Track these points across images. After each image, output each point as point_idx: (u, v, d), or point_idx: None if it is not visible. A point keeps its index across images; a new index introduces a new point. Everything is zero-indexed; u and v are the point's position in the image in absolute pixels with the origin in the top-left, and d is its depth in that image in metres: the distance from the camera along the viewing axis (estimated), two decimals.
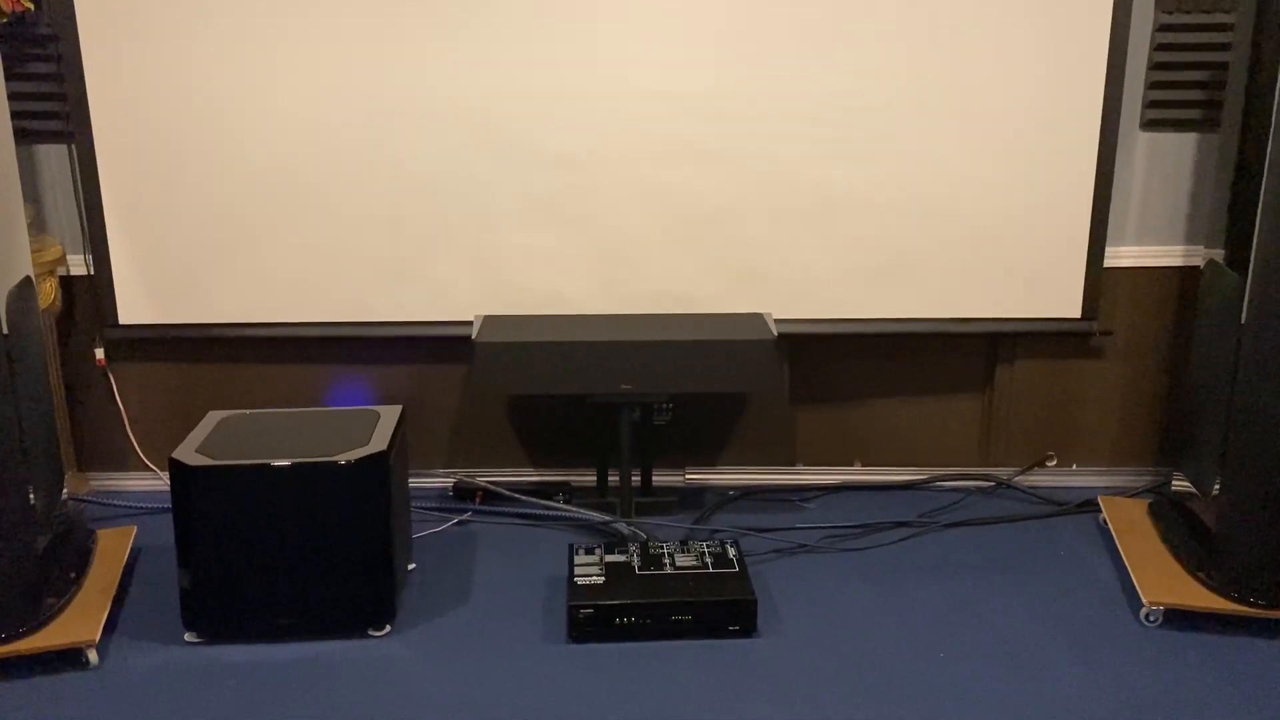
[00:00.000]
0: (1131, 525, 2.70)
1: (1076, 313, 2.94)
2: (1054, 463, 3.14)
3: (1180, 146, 2.91)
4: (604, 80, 2.76)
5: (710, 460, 3.14)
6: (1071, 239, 2.89)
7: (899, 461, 3.15)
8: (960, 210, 2.87)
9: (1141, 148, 2.91)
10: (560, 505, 2.88)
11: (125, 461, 3.08)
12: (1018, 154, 2.83)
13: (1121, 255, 2.97)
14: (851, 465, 3.15)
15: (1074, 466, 3.15)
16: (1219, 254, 2.51)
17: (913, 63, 2.77)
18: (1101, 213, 2.87)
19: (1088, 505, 2.95)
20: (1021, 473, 3.13)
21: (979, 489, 3.10)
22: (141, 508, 2.96)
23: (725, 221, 2.86)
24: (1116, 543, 2.63)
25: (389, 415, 2.49)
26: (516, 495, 2.93)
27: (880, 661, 2.23)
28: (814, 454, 3.14)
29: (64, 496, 2.52)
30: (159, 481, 3.07)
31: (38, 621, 2.20)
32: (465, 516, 2.92)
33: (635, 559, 2.42)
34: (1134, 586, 2.43)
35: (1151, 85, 2.85)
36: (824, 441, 3.13)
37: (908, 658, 2.24)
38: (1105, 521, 2.77)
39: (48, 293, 2.80)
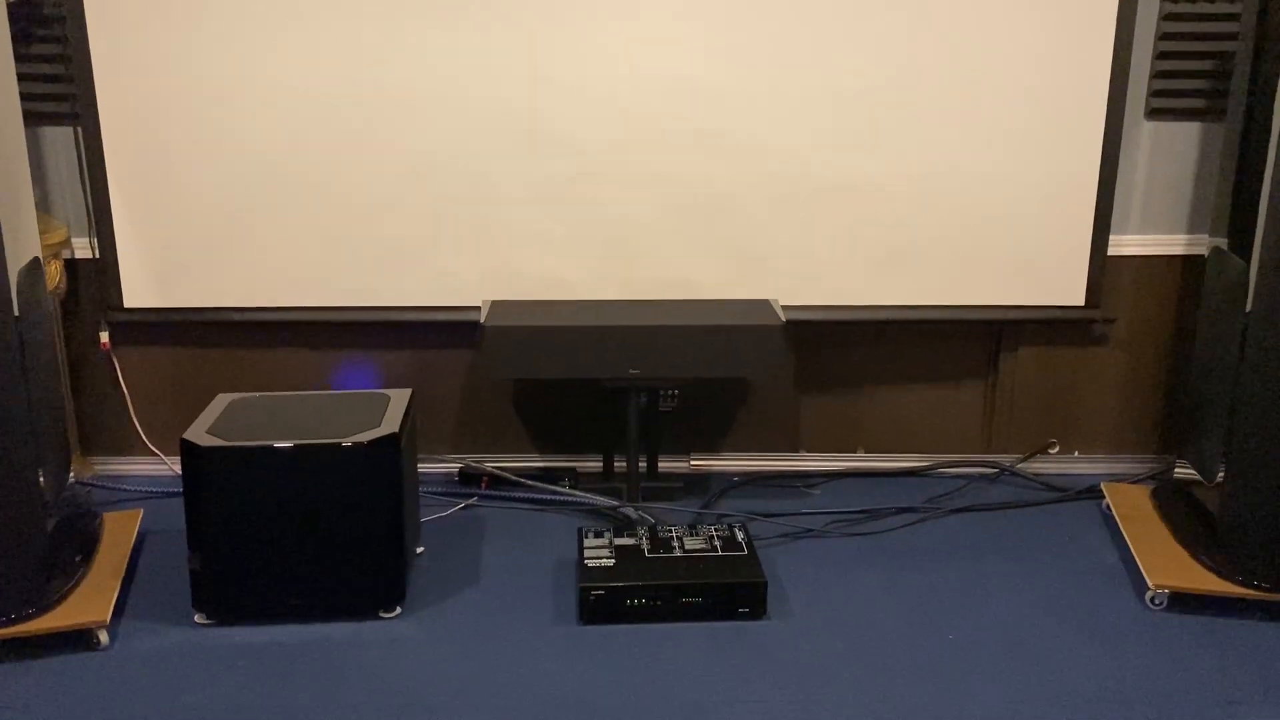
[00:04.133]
0: (1135, 510, 2.72)
1: (1080, 300, 2.96)
2: (1056, 450, 3.16)
3: (1185, 135, 2.92)
4: (610, 66, 2.76)
5: (715, 446, 3.15)
6: (1075, 227, 2.91)
7: (903, 448, 3.17)
8: (964, 197, 2.88)
9: (1146, 136, 2.93)
10: (567, 490, 2.89)
11: (129, 446, 3.07)
12: (1022, 142, 2.84)
13: (1125, 243, 2.99)
14: (855, 452, 3.17)
15: (1076, 454, 3.17)
16: (1223, 242, 2.53)
17: (918, 50, 2.78)
18: (1106, 201, 2.88)
19: (1091, 492, 2.97)
20: (1024, 459, 3.15)
21: (982, 476, 3.12)
22: (146, 492, 2.95)
23: (731, 208, 2.87)
24: (1120, 528, 2.65)
25: (399, 398, 2.49)
26: (523, 480, 2.94)
27: (889, 644, 2.24)
28: (818, 440, 3.15)
29: (71, 479, 2.51)
30: (163, 466, 3.07)
31: (47, 602, 2.20)
32: (471, 501, 2.92)
33: (645, 542, 2.43)
34: (1139, 571, 2.45)
35: (1156, 74, 2.87)
36: (828, 428, 3.15)
37: (916, 640, 2.26)
38: (1109, 507, 2.79)
39: (53, 275, 2.79)
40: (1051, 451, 3.16)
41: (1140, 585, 2.44)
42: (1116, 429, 3.15)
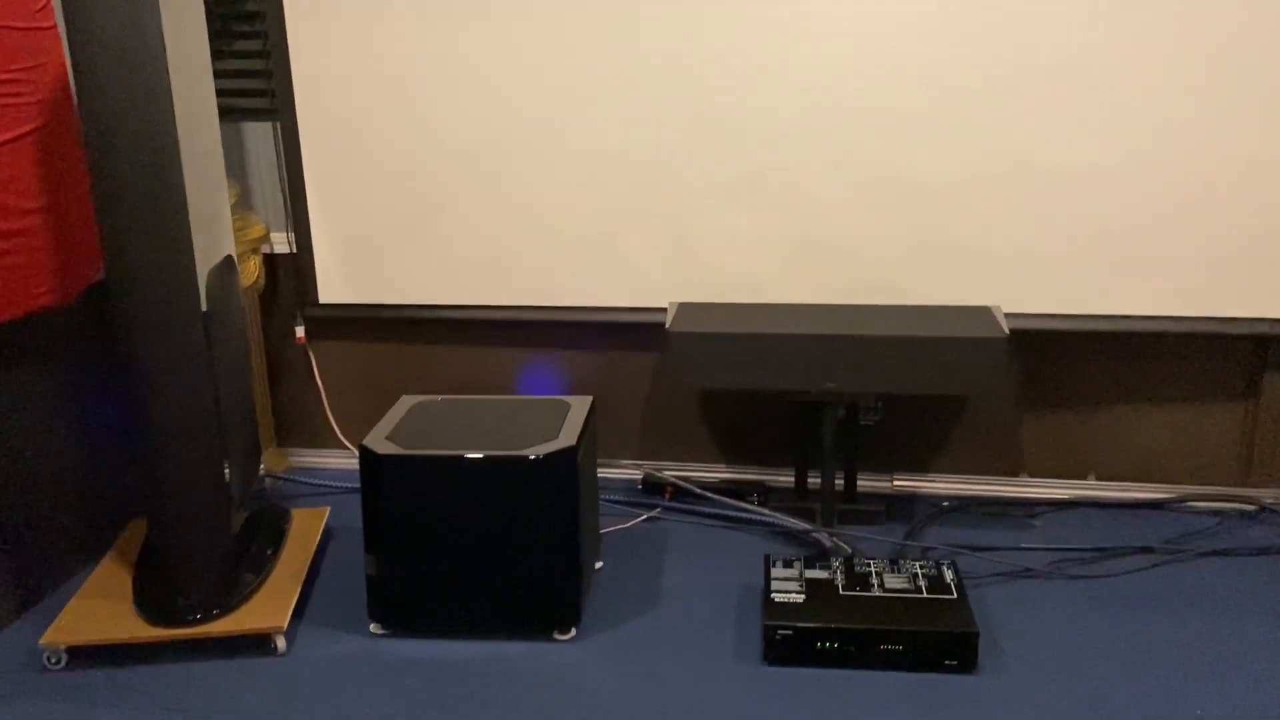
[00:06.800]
0: None
1: None
2: None
3: None
4: (811, 48, 2.52)
5: (922, 466, 2.87)
6: None
7: (1141, 477, 2.78)
8: (1223, 189, 2.48)
9: None
10: (756, 508, 2.69)
11: (324, 439, 3.10)
12: None
13: None
14: (1085, 478, 2.81)
15: None
16: None
17: (1162, 17, 2.39)
18: None
19: None
20: None
21: (1238, 513, 2.70)
22: (337, 487, 2.97)
23: (944, 202, 2.58)
24: None
25: (579, 406, 2.36)
26: (708, 494, 2.76)
27: (1119, 710, 1.93)
28: (1042, 464, 2.81)
29: (261, 473, 2.53)
30: (354, 460, 3.08)
31: (230, 603, 2.20)
32: (654, 513, 2.77)
33: (839, 577, 2.20)
34: None
35: None
36: (1054, 450, 2.80)
37: (1152, 708, 1.93)
38: None
39: (252, 271, 2.82)
40: None
41: None
42: None
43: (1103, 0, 2.40)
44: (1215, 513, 2.71)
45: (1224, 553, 2.50)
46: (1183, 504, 2.75)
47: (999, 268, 2.61)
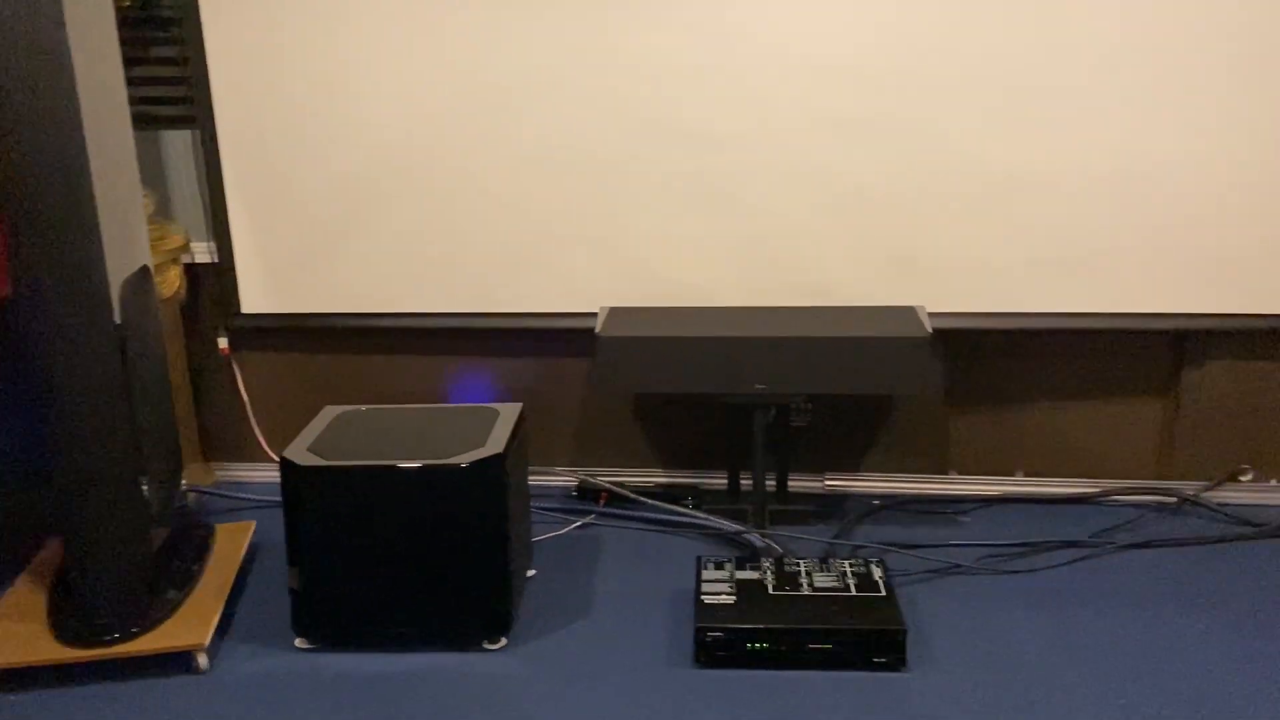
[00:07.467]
0: None
1: None
2: (1249, 477, 2.77)
3: None
4: (746, 49, 2.53)
5: (852, 466, 2.89)
6: (1278, 222, 2.52)
7: (1067, 472, 2.83)
8: (1147, 191, 2.53)
9: None
10: (689, 511, 2.69)
11: (249, 452, 3.04)
12: (1216, 124, 2.47)
13: None
14: (1012, 475, 2.85)
15: (1273, 482, 2.76)
16: None
17: (1096, 23, 2.44)
18: None
19: None
20: (1210, 488, 2.77)
21: (1160, 505, 2.75)
22: (263, 501, 2.91)
23: (878, 204, 2.60)
24: None
25: (508, 414, 2.34)
26: (642, 499, 2.75)
27: (1047, 704, 1.95)
28: (970, 462, 2.85)
29: (184, 488, 2.47)
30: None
31: (150, 621, 2.14)
32: (588, 519, 2.75)
33: (769, 577, 2.21)
34: None
35: None
36: (981, 448, 2.84)
37: (1080, 701, 1.96)
38: None
39: (173, 281, 2.76)
40: (1244, 479, 2.77)
41: None
42: None
43: (1027, 7, 2.44)
44: (1138, 505, 2.76)
45: (1146, 545, 2.55)
46: (1107, 498, 2.80)
47: (929, 269, 2.63)
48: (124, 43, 2.24)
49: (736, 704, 1.98)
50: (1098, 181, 2.54)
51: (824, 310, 2.60)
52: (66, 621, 2.13)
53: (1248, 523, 2.65)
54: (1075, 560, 2.49)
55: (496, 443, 2.17)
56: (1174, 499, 2.77)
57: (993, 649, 2.13)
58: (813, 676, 2.05)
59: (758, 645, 2.06)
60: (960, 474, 2.86)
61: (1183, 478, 2.79)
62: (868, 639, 2.05)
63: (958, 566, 2.46)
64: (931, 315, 2.64)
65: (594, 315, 2.74)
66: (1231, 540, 2.57)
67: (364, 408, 2.42)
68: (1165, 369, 2.74)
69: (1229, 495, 2.77)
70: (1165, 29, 2.43)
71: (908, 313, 2.56)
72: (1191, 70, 2.45)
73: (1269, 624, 2.20)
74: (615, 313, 2.62)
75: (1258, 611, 2.25)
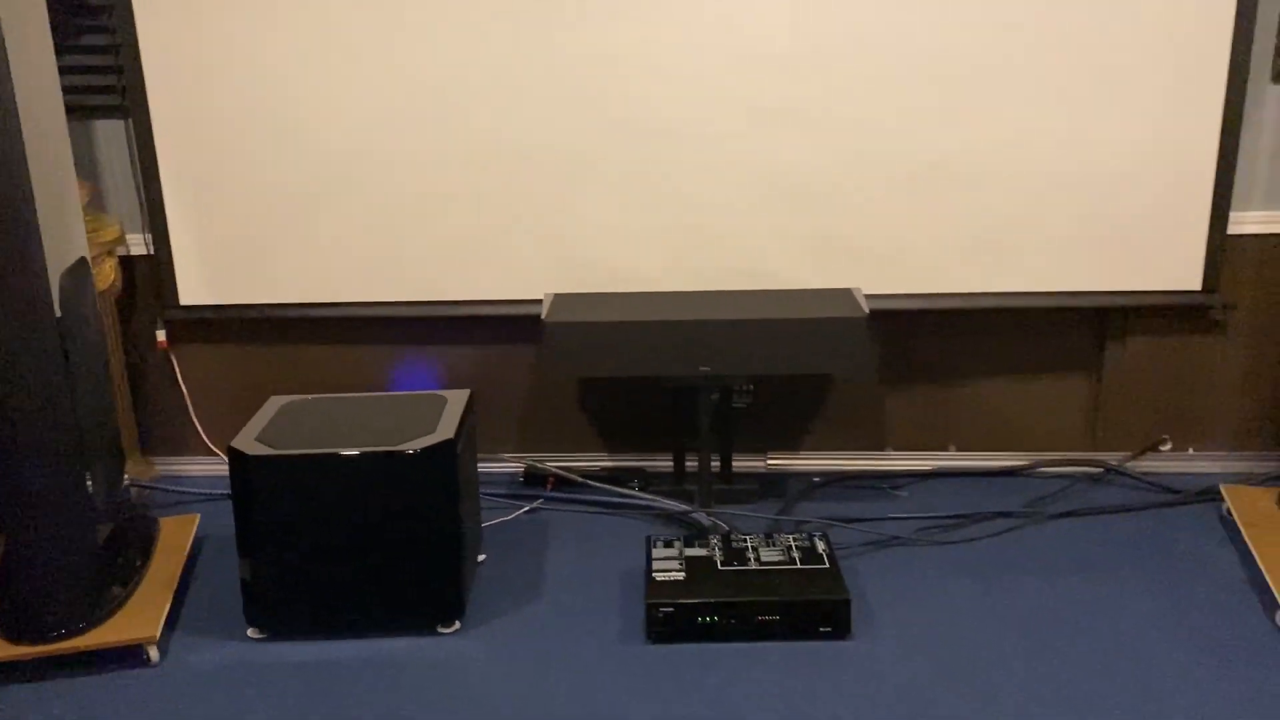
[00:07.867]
0: (1260, 517, 2.46)
1: (1197, 284, 2.69)
2: (1168, 447, 2.90)
3: None
4: (682, 41, 2.58)
5: (793, 445, 2.97)
6: (1192, 203, 2.64)
7: (998, 446, 2.94)
8: (1068, 174, 2.64)
9: (1272, 102, 2.64)
10: (636, 493, 2.73)
11: (190, 446, 3.01)
12: (1132, 111, 2.58)
13: (1247, 221, 2.71)
14: (946, 450, 2.95)
15: (1191, 451, 2.90)
16: None
17: (1014, 12, 2.53)
18: (1226, 174, 2.61)
19: (1208, 494, 2.71)
20: (1133, 458, 2.90)
21: (1086, 475, 2.88)
22: (206, 494, 2.88)
23: (813, 191, 2.67)
24: (1244, 536, 2.39)
25: (456, 400, 2.36)
26: (589, 482, 2.79)
27: (985, 665, 2.04)
28: (905, 438, 2.94)
29: (126, 483, 2.44)
30: (223, 466, 2.99)
31: (98, 616, 2.12)
32: (536, 504, 2.78)
33: (717, 553, 2.26)
34: (1267, 585, 2.20)
35: None
36: (916, 425, 2.93)
37: (1015, 661, 2.05)
38: (1229, 512, 2.53)
39: (107, 274, 2.72)
40: (1163, 449, 2.90)
41: (1269, 602, 2.19)
42: (1236, 425, 2.88)
43: (961, 4, 2.53)
44: (1066, 476, 2.88)
45: (1074, 514, 2.67)
46: (1036, 470, 2.91)
47: (862, 253, 2.71)
48: (53, 29, 2.19)
49: (689, 676, 2.03)
50: (1023, 167, 2.64)
51: (765, 293, 2.66)
52: (11, 618, 2.10)
53: (1167, 489, 2.79)
54: (1007, 530, 2.59)
55: (446, 428, 2.19)
56: (1099, 469, 2.89)
57: (932, 615, 2.22)
58: (762, 647, 2.12)
59: (708, 619, 2.12)
60: (897, 450, 2.96)
61: (1107, 449, 2.92)
62: (814, 609, 2.12)
63: (897, 538, 2.55)
64: (866, 297, 2.72)
65: (535, 302, 2.76)
66: (1152, 507, 2.69)
67: (311, 397, 2.41)
68: (1089, 346, 2.86)
69: (1150, 465, 2.90)
70: (1085, 17, 2.53)
71: (845, 294, 2.63)
72: (1111, 59, 2.56)
73: (1187, 583, 2.32)
74: (560, 299, 2.65)
75: (1177, 572, 2.37)
